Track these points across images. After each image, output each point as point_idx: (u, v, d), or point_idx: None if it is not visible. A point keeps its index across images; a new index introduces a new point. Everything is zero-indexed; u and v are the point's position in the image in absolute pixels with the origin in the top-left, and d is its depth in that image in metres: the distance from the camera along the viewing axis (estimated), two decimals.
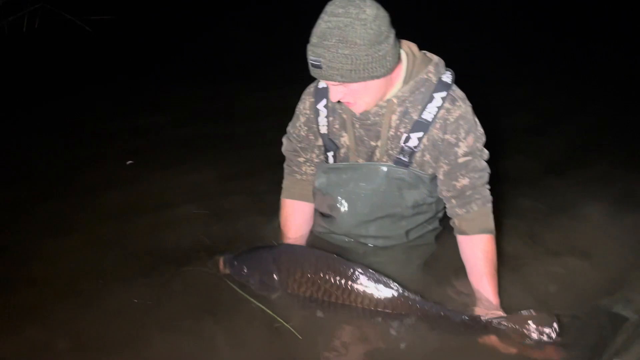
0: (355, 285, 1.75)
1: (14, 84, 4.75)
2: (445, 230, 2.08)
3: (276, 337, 1.73)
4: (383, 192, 1.90)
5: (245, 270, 1.91)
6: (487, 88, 2.19)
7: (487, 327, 1.68)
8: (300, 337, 1.71)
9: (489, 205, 1.87)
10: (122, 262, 2.16)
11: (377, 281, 1.74)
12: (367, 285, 1.74)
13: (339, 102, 1.76)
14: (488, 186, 1.88)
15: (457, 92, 1.82)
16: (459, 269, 1.93)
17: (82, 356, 1.68)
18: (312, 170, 2.06)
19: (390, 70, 1.66)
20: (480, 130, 1.84)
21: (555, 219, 2.60)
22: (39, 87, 4.70)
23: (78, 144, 3.49)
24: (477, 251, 1.84)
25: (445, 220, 2.04)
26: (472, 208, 1.85)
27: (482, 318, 1.70)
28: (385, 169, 1.87)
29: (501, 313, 1.76)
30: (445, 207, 1.96)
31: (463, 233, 1.86)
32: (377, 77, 1.63)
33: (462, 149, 1.81)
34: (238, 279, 1.93)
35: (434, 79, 1.78)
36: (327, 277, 1.76)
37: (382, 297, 1.74)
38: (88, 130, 3.72)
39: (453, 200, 1.87)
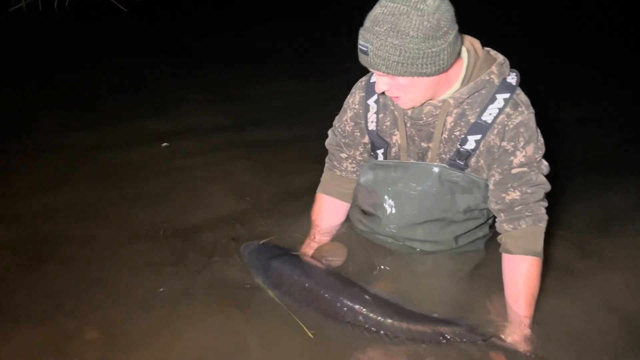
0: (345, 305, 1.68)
1: (48, 63, 4.75)
2: (495, 237, 1.96)
3: (305, 344, 1.65)
4: (434, 194, 1.78)
5: (250, 264, 1.93)
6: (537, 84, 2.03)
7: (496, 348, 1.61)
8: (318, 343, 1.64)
9: (541, 226, 1.70)
10: (153, 249, 2.10)
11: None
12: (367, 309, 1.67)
13: (388, 97, 1.67)
14: (544, 203, 1.71)
15: (522, 96, 1.67)
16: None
17: (110, 347, 1.62)
18: (352, 167, 1.97)
19: (443, 70, 1.52)
20: (541, 140, 1.68)
21: (611, 230, 2.45)
22: (73, 66, 4.67)
23: (112, 123, 3.44)
24: (518, 273, 1.69)
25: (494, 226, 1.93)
26: (520, 225, 1.70)
27: (495, 340, 1.63)
28: (438, 170, 1.76)
29: (520, 340, 1.64)
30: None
31: (507, 251, 1.72)
32: (427, 74, 1.49)
33: (518, 158, 1.66)
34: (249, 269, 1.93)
35: (496, 81, 1.64)
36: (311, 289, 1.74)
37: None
38: (124, 110, 3.67)
39: (502, 215, 1.73)
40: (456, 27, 1.51)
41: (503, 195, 1.70)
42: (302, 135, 3.32)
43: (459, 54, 1.57)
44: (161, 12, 6.69)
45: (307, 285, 1.75)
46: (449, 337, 1.63)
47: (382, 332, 1.65)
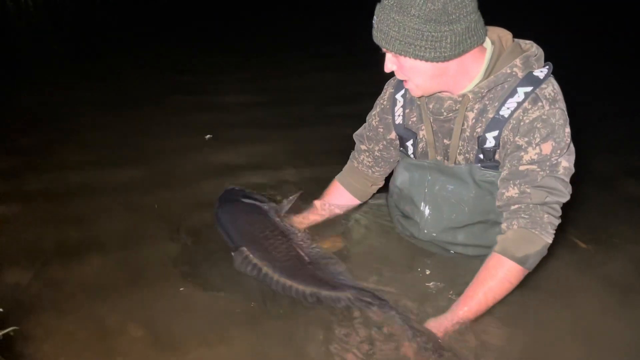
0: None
1: (83, 47, 4.79)
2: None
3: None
4: (474, 197, 1.70)
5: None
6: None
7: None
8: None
9: (535, 233, 1.53)
10: (192, 245, 2.07)
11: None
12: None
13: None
14: (550, 212, 1.53)
15: (547, 90, 1.53)
16: (562, 286, 1.75)
17: (154, 346, 1.60)
18: (369, 162, 1.99)
19: (445, 58, 1.45)
20: (566, 141, 1.52)
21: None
22: (113, 54, 4.71)
23: (157, 114, 3.45)
24: (489, 273, 1.55)
25: None
26: (513, 226, 1.56)
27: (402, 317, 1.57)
28: (471, 171, 1.67)
29: (437, 328, 1.53)
30: None
31: (493, 249, 1.58)
32: (425, 58, 1.45)
33: (529, 154, 1.53)
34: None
35: (519, 74, 1.54)
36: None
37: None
38: (172, 101, 3.67)
39: (503, 213, 1.61)
40: (472, 17, 1.43)
41: (503, 191, 1.59)
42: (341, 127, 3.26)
43: (473, 46, 1.48)
44: (198, 3, 6.69)
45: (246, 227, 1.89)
46: (353, 303, 1.62)
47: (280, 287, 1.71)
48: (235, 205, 2.06)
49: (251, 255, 1.78)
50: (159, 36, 5.28)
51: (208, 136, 3.09)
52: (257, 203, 2.06)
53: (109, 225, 2.18)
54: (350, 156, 2.06)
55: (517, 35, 1.62)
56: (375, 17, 1.47)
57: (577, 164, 1.59)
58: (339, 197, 2.07)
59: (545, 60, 1.59)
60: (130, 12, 6.11)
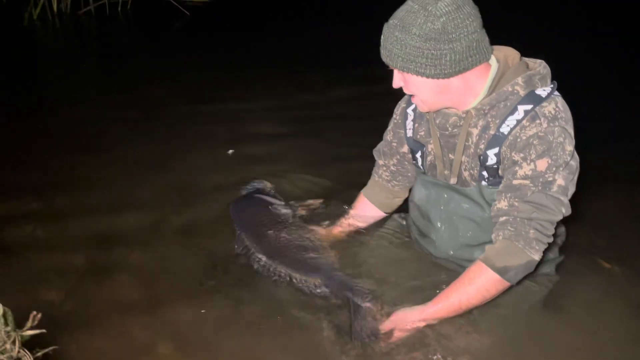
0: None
1: (111, 66, 4.88)
2: (569, 261, 1.89)
3: None
4: (488, 216, 1.71)
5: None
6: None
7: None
8: None
9: (518, 246, 1.54)
10: (218, 262, 2.09)
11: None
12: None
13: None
14: (537, 227, 1.54)
15: (548, 108, 1.56)
16: (586, 309, 1.75)
17: None
18: (387, 176, 2.05)
19: (445, 75, 1.52)
20: (565, 159, 1.53)
21: None
22: (137, 70, 4.79)
23: (181, 128, 3.50)
24: (473, 277, 1.60)
25: (567, 249, 1.85)
26: (498, 237, 1.58)
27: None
28: (481, 192, 1.71)
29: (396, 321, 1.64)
30: (565, 233, 1.77)
31: (478, 258, 1.62)
32: (426, 75, 1.53)
33: (523, 170, 1.55)
34: None
35: (521, 92, 1.58)
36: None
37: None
38: (192, 114, 3.73)
39: (495, 225, 1.63)
40: (473, 37, 1.50)
41: (495, 203, 1.62)
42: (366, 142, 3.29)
43: (475, 64, 1.54)
44: (222, 14, 6.77)
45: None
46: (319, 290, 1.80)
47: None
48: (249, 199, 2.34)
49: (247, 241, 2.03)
50: (182, 52, 5.37)
51: (230, 151, 3.15)
52: (269, 199, 2.29)
53: (137, 243, 2.23)
54: (373, 170, 2.13)
55: (540, 51, 1.67)
56: (382, 35, 1.57)
57: (598, 181, 1.60)
58: (365, 209, 2.14)
59: (570, 74, 1.63)
60: (153, 30, 6.22)
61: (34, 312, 0.95)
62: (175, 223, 2.38)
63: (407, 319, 1.64)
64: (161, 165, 2.98)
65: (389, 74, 1.64)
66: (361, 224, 2.13)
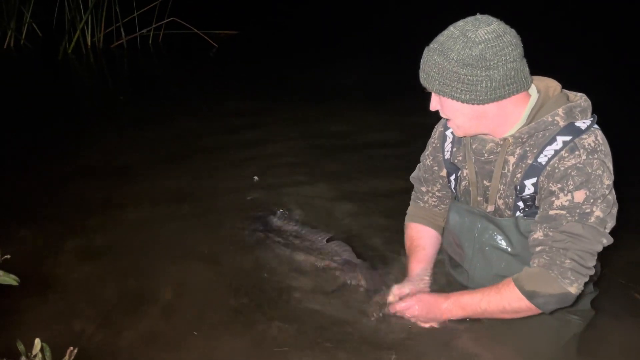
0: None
1: (139, 96, 5.00)
2: (604, 296, 1.84)
3: None
4: (522, 247, 1.70)
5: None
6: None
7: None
8: None
9: (552, 275, 1.53)
10: (247, 290, 2.12)
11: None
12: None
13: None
14: (574, 257, 1.52)
15: (587, 140, 1.55)
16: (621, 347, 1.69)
17: None
18: (434, 201, 2.03)
19: (481, 101, 1.52)
20: (603, 192, 1.52)
21: None
22: (168, 101, 4.90)
23: (208, 157, 3.55)
24: (502, 289, 1.64)
25: (602, 283, 1.80)
26: (533, 264, 1.59)
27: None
28: (517, 224, 1.70)
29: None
30: (601, 267, 1.74)
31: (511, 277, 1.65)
32: (462, 100, 1.53)
33: (560, 200, 1.55)
34: None
35: (561, 123, 1.57)
36: None
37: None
38: (220, 144, 3.78)
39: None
40: (512, 66, 1.50)
41: (532, 233, 1.61)
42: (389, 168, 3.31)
43: (512, 92, 1.53)
44: (247, 46, 6.90)
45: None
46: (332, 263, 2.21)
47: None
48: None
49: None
50: (210, 83, 5.47)
51: (255, 178, 3.19)
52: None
53: (166, 275, 2.25)
54: (413, 197, 2.10)
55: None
56: (422, 58, 1.59)
57: (633, 214, 1.56)
58: (422, 236, 2.03)
59: (610, 109, 1.62)
60: (183, 61, 6.37)
61: (71, 348, 0.96)
62: (202, 253, 2.41)
63: (430, 299, 1.78)
64: (189, 195, 3.02)
65: (420, 104, 1.65)
66: (432, 252, 2.02)
